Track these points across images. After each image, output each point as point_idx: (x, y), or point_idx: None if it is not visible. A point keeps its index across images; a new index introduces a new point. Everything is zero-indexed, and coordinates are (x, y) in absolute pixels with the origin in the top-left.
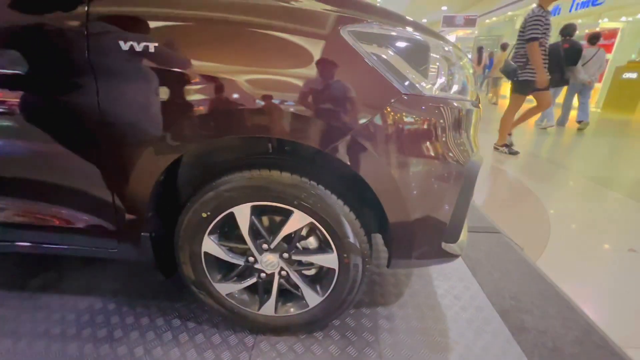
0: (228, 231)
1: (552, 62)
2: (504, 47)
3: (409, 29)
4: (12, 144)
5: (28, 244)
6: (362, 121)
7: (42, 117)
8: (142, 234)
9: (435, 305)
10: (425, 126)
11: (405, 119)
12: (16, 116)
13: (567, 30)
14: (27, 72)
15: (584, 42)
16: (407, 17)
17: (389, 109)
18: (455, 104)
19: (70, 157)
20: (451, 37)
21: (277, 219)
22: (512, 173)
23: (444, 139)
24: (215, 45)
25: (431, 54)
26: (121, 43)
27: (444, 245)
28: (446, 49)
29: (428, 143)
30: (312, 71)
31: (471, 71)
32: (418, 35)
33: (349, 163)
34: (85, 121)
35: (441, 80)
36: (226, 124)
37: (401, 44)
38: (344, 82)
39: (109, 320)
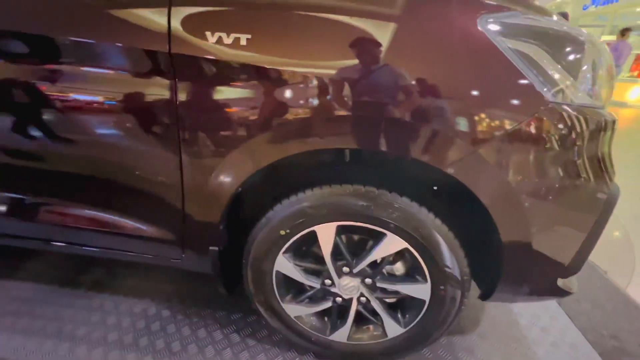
0: (305, 250)
1: None
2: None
3: (550, 18)
4: (81, 147)
5: (95, 248)
6: (497, 134)
7: (115, 118)
8: (210, 247)
9: (520, 338)
10: (570, 141)
11: (549, 132)
12: (88, 117)
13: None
14: (97, 67)
15: None
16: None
17: (532, 119)
18: (601, 113)
19: (143, 161)
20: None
21: (364, 239)
22: None
23: (588, 157)
24: (321, 38)
25: (585, 52)
26: (208, 34)
27: (560, 281)
28: (585, 39)
29: (572, 161)
30: (438, 72)
31: (611, 65)
32: (569, 28)
33: (471, 185)
34: (161, 123)
35: (589, 83)
36: (329, 133)
37: (551, 39)
38: (480, 86)
39: (166, 329)
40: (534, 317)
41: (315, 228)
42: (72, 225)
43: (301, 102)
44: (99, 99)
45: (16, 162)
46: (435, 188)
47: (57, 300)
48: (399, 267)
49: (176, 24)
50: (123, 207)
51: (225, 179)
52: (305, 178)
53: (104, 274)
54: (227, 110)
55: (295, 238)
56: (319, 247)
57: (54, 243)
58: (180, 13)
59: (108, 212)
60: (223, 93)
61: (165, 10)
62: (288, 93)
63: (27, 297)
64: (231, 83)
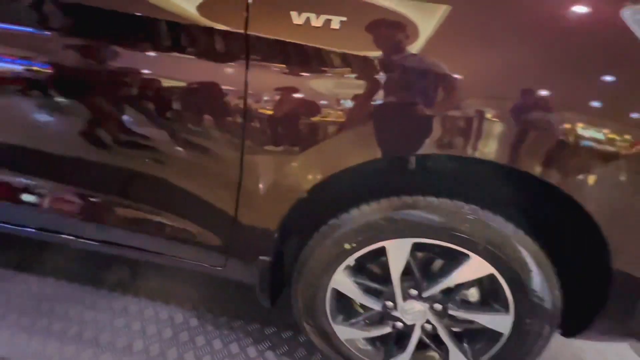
0: (368, 267)
1: None
2: None
3: None
4: (126, 137)
5: (133, 249)
6: (631, 147)
7: (170, 106)
8: (260, 257)
9: None
10: None
11: None
12: (138, 103)
13: None
14: (152, 48)
15: None
16: None
17: None
18: None
19: (194, 154)
20: None
21: (439, 260)
22: None
23: None
24: (435, 27)
25: None
26: (293, 14)
27: None
28: None
29: None
30: (572, 69)
31: None
32: None
33: (587, 203)
34: (224, 114)
35: None
36: (430, 137)
37: None
38: (622, 88)
39: (195, 340)
40: (599, 353)
41: (386, 244)
42: (107, 222)
43: (401, 98)
44: (152, 84)
45: (56, 153)
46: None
47: (78, 299)
48: (473, 293)
49: (256, 1)
50: (165, 206)
51: (292, 182)
52: (374, 186)
53: (127, 272)
54: (308, 102)
55: (360, 253)
56: (386, 265)
57: (85, 240)
58: None
59: (147, 210)
60: (305, 83)
61: None
62: (384, 87)
63: (47, 294)
64: (316, 72)
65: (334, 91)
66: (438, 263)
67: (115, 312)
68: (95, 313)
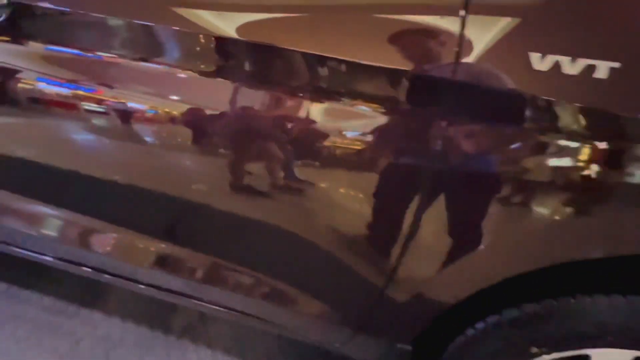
0: None
1: None
2: None
3: None
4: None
5: (226, 309)
6: None
7: (326, 155)
8: (398, 344)
9: None
10: None
11: None
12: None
13: None
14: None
15: None
16: None
17: None
18: None
19: (349, 214)
20: None
21: None
22: None
23: None
24: None
25: None
26: (534, 56)
27: None
28: None
29: None
30: None
31: None
32: None
33: None
34: (400, 171)
35: None
36: None
37: None
38: None
39: None
40: None
41: (593, 353)
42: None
43: None
44: (304, 129)
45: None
46: None
47: (149, 347)
48: None
49: (472, 39)
50: (284, 268)
51: (488, 266)
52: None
53: (195, 316)
54: (542, 176)
55: (548, 358)
56: None
57: (174, 294)
58: (482, 23)
59: (259, 270)
60: (541, 149)
61: (457, 18)
62: None
63: (116, 338)
64: (562, 138)
65: (595, 168)
66: None
67: None
68: None
